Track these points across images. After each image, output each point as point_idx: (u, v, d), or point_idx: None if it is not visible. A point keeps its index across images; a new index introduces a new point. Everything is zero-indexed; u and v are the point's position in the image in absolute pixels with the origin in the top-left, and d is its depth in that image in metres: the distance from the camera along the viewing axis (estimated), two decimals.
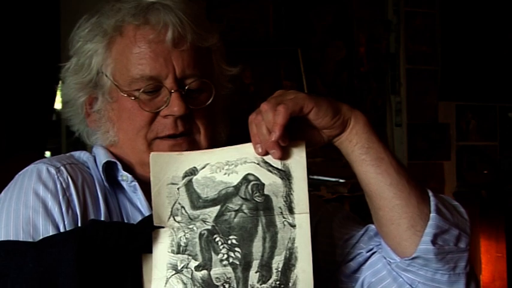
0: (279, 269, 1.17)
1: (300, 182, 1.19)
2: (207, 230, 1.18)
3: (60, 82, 1.46)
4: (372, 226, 1.32)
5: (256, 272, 1.17)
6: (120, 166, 1.33)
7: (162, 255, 1.17)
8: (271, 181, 1.19)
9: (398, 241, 1.22)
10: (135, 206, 1.33)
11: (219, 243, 1.17)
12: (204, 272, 1.17)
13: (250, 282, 1.17)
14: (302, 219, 1.18)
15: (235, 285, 1.16)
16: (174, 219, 1.18)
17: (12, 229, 1.22)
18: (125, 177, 1.32)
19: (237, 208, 1.19)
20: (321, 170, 3.73)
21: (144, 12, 1.33)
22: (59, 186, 1.26)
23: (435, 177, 4.52)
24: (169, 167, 1.20)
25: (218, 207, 1.19)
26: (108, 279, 1.15)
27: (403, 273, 1.24)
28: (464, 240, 1.22)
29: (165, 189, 1.19)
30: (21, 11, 3.36)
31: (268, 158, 1.20)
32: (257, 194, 1.19)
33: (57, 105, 3.40)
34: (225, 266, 1.17)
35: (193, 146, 1.33)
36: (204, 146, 1.34)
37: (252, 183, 1.19)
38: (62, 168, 1.29)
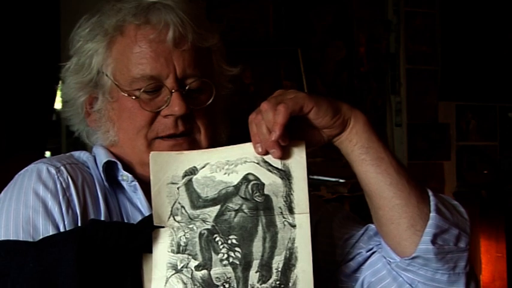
0: (279, 269, 1.17)
1: (300, 181, 1.19)
2: (207, 229, 1.18)
3: (60, 82, 1.46)
4: (372, 226, 1.32)
5: (256, 272, 1.17)
6: (120, 166, 1.33)
7: (162, 255, 1.17)
8: (271, 181, 1.19)
9: (398, 241, 1.22)
10: (135, 206, 1.33)
11: (219, 243, 1.17)
12: (204, 271, 1.17)
13: (250, 282, 1.17)
14: (302, 219, 1.18)
15: (235, 285, 1.16)
16: (174, 219, 1.18)
17: (12, 229, 1.22)
18: (125, 177, 1.32)
19: (237, 208, 1.19)
20: (321, 170, 3.73)
21: (145, 12, 1.33)
22: (59, 186, 1.26)
23: (435, 177, 4.52)
24: (169, 166, 1.20)
25: (218, 206, 1.19)
26: (108, 279, 1.15)
27: (403, 273, 1.24)
28: (464, 240, 1.22)
29: (165, 188, 1.19)
30: (21, 11, 3.35)
31: (268, 158, 1.20)
32: (257, 194, 1.19)
33: (57, 105, 3.40)
34: (225, 265, 1.17)
35: (194, 145, 1.33)
36: (204, 145, 1.34)
37: (252, 182, 1.19)
38: (62, 168, 1.29)
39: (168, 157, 1.21)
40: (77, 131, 1.45)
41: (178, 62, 1.32)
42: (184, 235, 1.18)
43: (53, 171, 1.27)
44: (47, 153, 3.47)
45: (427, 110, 4.57)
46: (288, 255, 1.17)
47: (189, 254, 1.17)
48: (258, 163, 1.20)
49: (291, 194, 1.19)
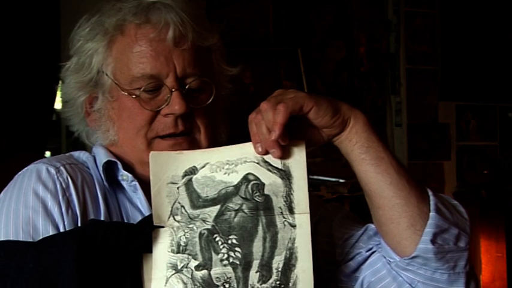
0: (279, 269, 1.17)
1: (300, 181, 1.19)
2: (207, 229, 1.18)
3: (60, 82, 1.46)
4: (372, 225, 1.32)
5: (256, 272, 1.17)
6: (120, 166, 1.33)
7: (162, 255, 1.17)
8: (271, 181, 1.19)
9: (398, 240, 1.22)
10: (135, 206, 1.33)
11: (219, 242, 1.17)
12: (204, 271, 1.17)
13: (250, 282, 1.17)
14: (302, 219, 1.18)
15: (235, 285, 1.16)
16: (174, 219, 1.18)
17: (12, 229, 1.22)
18: (125, 177, 1.32)
19: (237, 208, 1.19)
20: (321, 170, 3.73)
21: (145, 11, 1.33)
22: (58, 186, 1.26)
23: (435, 177, 4.52)
24: (169, 166, 1.20)
25: (218, 206, 1.19)
26: (108, 279, 1.15)
27: (403, 273, 1.24)
28: (463, 240, 1.22)
29: (165, 188, 1.19)
30: (21, 11, 3.35)
31: (268, 158, 1.20)
32: (257, 194, 1.19)
33: (57, 105, 3.40)
34: (225, 265, 1.17)
35: (194, 145, 1.33)
36: (204, 145, 1.34)
37: (252, 182, 1.19)
38: (62, 168, 1.29)
39: (168, 157, 1.21)
40: (77, 131, 1.45)
41: (178, 61, 1.32)
42: (184, 235, 1.18)
43: (53, 171, 1.27)
44: (47, 153, 3.47)
45: (427, 110, 4.57)
46: (288, 255, 1.17)
47: (189, 254, 1.17)
48: (258, 163, 1.20)
49: (291, 193, 1.19)
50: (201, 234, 1.18)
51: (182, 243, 1.18)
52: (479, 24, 4.68)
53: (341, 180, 3.75)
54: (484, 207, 4.28)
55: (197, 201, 1.19)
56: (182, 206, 1.19)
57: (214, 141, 1.36)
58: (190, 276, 1.16)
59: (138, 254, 1.18)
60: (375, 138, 1.22)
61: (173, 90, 1.32)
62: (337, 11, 4.31)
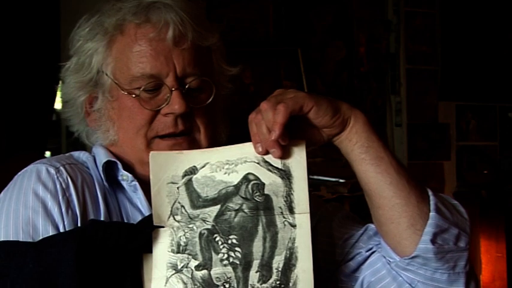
0: (279, 269, 1.17)
1: (300, 181, 1.19)
2: (207, 229, 1.18)
3: (60, 82, 1.46)
4: (372, 225, 1.32)
5: (256, 272, 1.17)
6: (120, 166, 1.33)
7: (162, 255, 1.17)
8: (271, 180, 1.19)
9: (398, 240, 1.22)
10: (135, 206, 1.33)
11: (219, 242, 1.17)
12: (204, 271, 1.17)
13: (250, 282, 1.17)
14: (302, 219, 1.18)
15: (235, 285, 1.16)
16: (174, 219, 1.18)
17: (12, 229, 1.22)
18: (125, 177, 1.32)
19: (237, 208, 1.19)
20: (321, 170, 3.73)
21: (145, 11, 1.33)
22: (58, 186, 1.25)
23: (435, 177, 4.52)
24: (169, 166, 1.20)
25: (218, 206, 1.19)
26: (108, 279, 1.15)
27: (403, 273, 1.24)
28: (463, 240, 1.22)
29: (165, 188, 1.19)
30: (21, 11, 3.35)
31: (269, 158, 1.20)
32: (257, 194, 1.19)
33: (57, 105, 3.40)
34: (225, 265, 1.17)
35: (193, 145, 1.33)
36: (204, 145, 1.34)
37: (252, 182, 1.19)
38: (62, 168, 1.28)
39: (168, 157, 1.21)
40: (77, 131, 1.45)
41: (178, 61, 1.32)
42: (184, 235, 1.18)
43: (53, 171, 1.27)
44: (47, 153, 3.47)
45: (427, 110, 4.57)
46: (288, 255, 1.17)
47: (189, 254, 1.17)
48: (258, 163, 1.20)
49: (291, 193, 1.19)
50: (201, 234, 1.18)
51: (182, 243, 1.18)
52: (479, 24, 4.68)
53: (341, 180, 3.75)
54: (484, 207, 4.28)
55: (197, 201, 1.19)
56: (182, 206, 1.19)
57: (214, 141, 1.36)
58: (190, 276, 1.16)
59: (138, 254, 1.18)
60: (375, 138, 1.22)
61: (173, 89, 1.32)
62: (337, 11, 4.31)
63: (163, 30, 1.31)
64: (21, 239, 1.20)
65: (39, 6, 3.43)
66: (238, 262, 1.17)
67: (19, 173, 1.30)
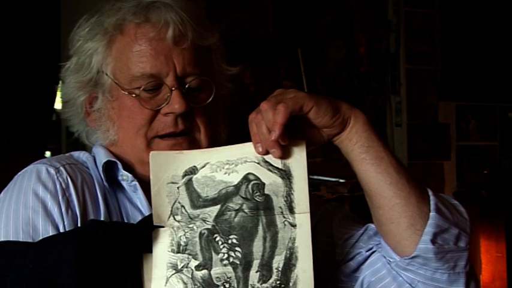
0: (280, 269, 1.17)
1: (301, 181, 1.19)
2: (207, 229, 1.18)
3: (60, 82, 1.46)
4: (372, 225, 1.32)
5: (256, 272, 1.17)
6: (120, 166, 1.32)
7: (162, 255, 1.17)
8: (271, 180, 1.19)
9: (398, 240, 1.22)
10: (135, 206, 1.33)
11: (220, 242, 1.17)
12: (205, 271, 1.17)
13: (250, 282, 1.17)
14: (302, 218, 1.18)
15: (235, 285, 1.16)
16: (174, 219, 1.18)
17: (11, 229, 1.22)
18: (125, 177, 1.32)
19: (237, 207, 1.19)
20: (321, 170, 3.73)
21: (144, 11, 1.33)
22: (58, 186, 1.25)
23: (435, 177, 4.52)
24: (169, 166, 1.20)
25: (218, 206, 1.19)
26: (108, 279, 1.15)
27: (403, 272, 1.24)
28: (464, 240, 1.22)
29: (165, 188, 1.19)
30: (21, 11, 3.35)
31: (269, 158, 1.20)
32: (257, 194, 1.19)
33: (57, 105, 3.40)
34: (225, 265, 1.17)
35: (194, 145, 1.33)
36: (204, 144, 1.34)
37: (253, 182, 1.19)
38: (62, 168, 1.28)
39: (168, 157, 1.21)
40: (77, 131, 1.45)
41: (178, 60, 1.32)
42: (184, 235, 1.18)
43: (52, 171, 1.27)
44: (47, 153, 3.47)
45: (427, 110, 4.57)
46: (288, 255, 1.17)
47: (189, 254, 1.17)
48: (258, 163, 1.20)
49: (292, 193, 1.19)
50: (201, 234, 1.18)
51: (182, 243, 1.18)
52: (479, 24, 4.68)
53: (341, 180, 3.75)
54: (484, 207, 4.28)
55: (197, 201, 1.19)
56: (182, 206, 1.19)
57: (215, 141, 1.36)
58: (190, 276, 1.16)
59: (138, 254, 1.18)
60: (375, 138, 1.22)
61: (173, 89, 1.32)
62: (337, 11, 4.31)
63: (163, 30, 1.31)
64: (21, 239, 1.20)
65: (39, 6, 3.43)
66: (238, 262, 1.17)
67: (19, 173, 1.30)
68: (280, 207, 1.18)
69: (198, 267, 1.17)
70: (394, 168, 1.21)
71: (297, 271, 1.17)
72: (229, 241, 1.17)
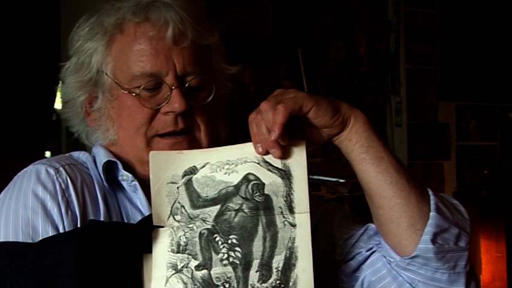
0: (279, 269, 1.17)
1: (300, 181, 1.19)
2: (207, 229, 1.18)
3: (60, 82, 1.46)
4: (372, 225, 1.32)
5: (256, 272, 1.17)
6: (120, 166, 1.32)
7: (162, 255, 1.17)
8: (271, 180, 1.19)
9: (398, 240, 1.22)
10: (135, 206, 1.33)
11: (219, 242, 1.17)
12: (204, 271, 1.17)
13: (250, 282, 1.17)
14: (302, 218, 1.18)
15: (235, 285, 1.16)
16: (174, 219, 1.18)
17: (11, 230, 1.22)
18: (125, 177, 1.32)
19: (237, 207, 1.19)
20: (321, 170, 3.73)
21: (144, 10, 1.33)
22: (58, 187, 1.25)
23: (435, 177, 4.52)
24: (169, 165, 1.20)
25: (218, 206, 1.19)
26: (107, 279, 1.15)
27: (403, 272, 1.24)
28: (464, 239, 1.22)
29: (165, 188, 1.19)
30: (21, 11, 3.35)
31: (269, 158, 1.20)
32: (257, 194, 1.19)
33: (57, 105, 3.40)
34: (225, 265, 1.17)
35: (194, 143, 1.33)
36: (204, 143, 1.34)
37: (253, 182, 1.19)
38: (61, 169, 1.28)
39: (168, 156, 1.21)
40: (77, 132, 1.44)
41: (178, 59, 1.32)
42: (184, 235, 1.18)
43: (52, 172, 1.27)
44: (47, 153, 3.47)
45: (427, 110, 4.57)
46: (288, 255, 1.17)
47: (189, 254, 1.17)
48: (258, 163, 1.20)
49: (291, 193, 1.19)
50: (201, 234, 1.18)
51: (182, 243, 1.17)
52: (479, 24, 4.68)
53: (341, 180, 3.75)
54: (484, 207, 4.28)
55: (197, 201, 1.19)
56: (182, 206, 1.19)
57: (215, 140, 1.36)
58: (190, 276, 1.16)
59: (138, 254, 1.18)
60: (375, 138, 1.22)
61: (173, 88, 1.32)
62: (337, 11, 4.31)
63: (163, 29, 1.31)
64: (20, 240, 1.20)
65: (39, 6, 3.43)
66: (238, 262, 1.17)
67: (19, 173, 1.30)
68: (280, 207, 1.18)
69: (197, 267, 1.17)
70: (394, 168, 1.21)
71: (296, 271, 1.17)
72: (229, 241, 1.17)
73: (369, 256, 1.31)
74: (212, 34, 1.39)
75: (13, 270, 1.14)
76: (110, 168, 1.33)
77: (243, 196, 1.19)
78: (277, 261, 1.17)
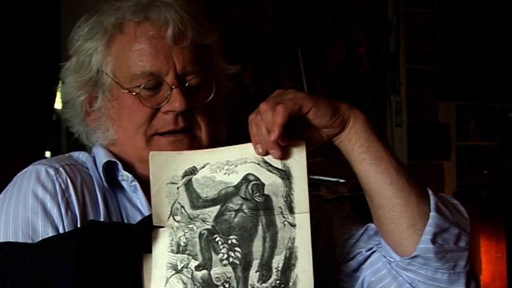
0: (279, 269, 1.17)
1: (300, 181, 1.19)
2: (207, 229, 1.18)
3: (60, 82, 1.46)
4: (372, 225, 1.32)
5: (256, 272, 1.17)
6: (120, 166, 1.32)
7: (161, 255, 1.17)
8: (271, 181, 1.19)
9: (398, 240, 1.22)
10: (135, 206, 1.33)
11: (219, 243, 1.17)
12: (204, 271, 1.17)
13: (250, 282, 1.17)
14: (302, 218, 1.18)
15: (235, 285, 1.16)
16: (174, 219, 1.18)
17: (11, 230, 1.22)
18: (125, 177, 1.32)
19: (237, 208, 1.19)
20: (321, 170, 3.73)
21: (144, 10, 1.33)
22: (57, 187, 1.25)
23: (435, 177, 4.52)
24: (169, 166, 1.20)
25: (218, 207, 1.19)
26: (107, 280, 1.15)
27: (403, 272, 1.24)
28: (464, 239, 1.22)
29: (165, 188, 1.19)
30: (21, 11, 3.35)
31: (269, 158, 1.20)
32: (257, 194, 1.19)
33: (57, 105, 3.40)
34: (225, 265, 1.17)
35: (194, 142, 1.33)
36: (204, 142, 1.34)
37: (252, 183, 1.19)
38: (61, 169, 1.28)
39: (168, 157, 1.21)
40: (77, 132, 1.44)
41: (178, 59, 1.32)
42: (184, 235, 1.18)
43: (52, 172, 1.27)
44: (47, 154, 3.47)
45: (427, 110, 4.57)
46: (288, 255, 1.17)
47: (189, 254, 1.17)
48: (258, 163, 1.20)
49: (291, 193, 1.19)
50: (201, 235, 1.18)
51: (182, 244, 1.17)
52: (479, 24, 4.68)
53: (341, 180, 3.75)
54: (484, 207, 4.28)
55: (197, 201, 1.19)
56: (182, 206, 1.19)
57: (215, 139, 1.36)
58: (190, 277, 1.16)
59: (138, 254, 1.18)
60: (375, 138, 1.22)
61: (173, 87, 1.32)
62: (337, 11, 4.31)
63: (162, 29, 1.31)
64: (20, 240, 1.20)
65: (39, 6, 3.43)
66: (238, 262, 1.17)
67: (18, 174, 1.30)
68: (280, 208, 1.18)
69: (197, 268, 1.17)
70: (394, 168, 1.21)
71: (296, 271, 1.17)
72: (229, 241, 1.17)
73: (369, 256, 1.31)
74: (212, 33, 1.39)
75: (13, 270, 1.14)
76: (109, 169, 1.33)
77: (243, 196, 1.19)
78: (277, 261, 1.17)
